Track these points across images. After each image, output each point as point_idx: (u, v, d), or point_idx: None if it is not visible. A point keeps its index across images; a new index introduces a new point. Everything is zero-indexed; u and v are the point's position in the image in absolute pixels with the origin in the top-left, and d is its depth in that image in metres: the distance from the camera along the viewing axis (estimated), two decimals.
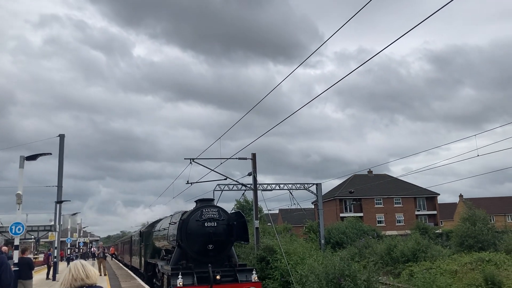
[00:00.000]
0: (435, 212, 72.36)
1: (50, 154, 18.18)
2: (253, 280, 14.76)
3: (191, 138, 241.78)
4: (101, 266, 27.18)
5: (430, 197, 72.53)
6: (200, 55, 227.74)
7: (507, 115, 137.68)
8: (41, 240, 55.18)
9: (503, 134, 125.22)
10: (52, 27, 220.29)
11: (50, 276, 26.70)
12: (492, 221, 39.91)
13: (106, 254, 32.17)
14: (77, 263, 4.09)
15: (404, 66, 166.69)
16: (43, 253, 51.80)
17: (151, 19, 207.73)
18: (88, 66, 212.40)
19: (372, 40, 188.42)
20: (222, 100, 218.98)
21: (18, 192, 14.83)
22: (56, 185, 26.48)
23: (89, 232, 79.96)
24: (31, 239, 48.07)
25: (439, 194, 72.76)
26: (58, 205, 26.84)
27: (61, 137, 26.51)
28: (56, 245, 28.76)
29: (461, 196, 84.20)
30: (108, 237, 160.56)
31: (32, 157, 16.36)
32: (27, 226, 36.77)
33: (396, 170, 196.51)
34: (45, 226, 44.92)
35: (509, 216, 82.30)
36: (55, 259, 27.19)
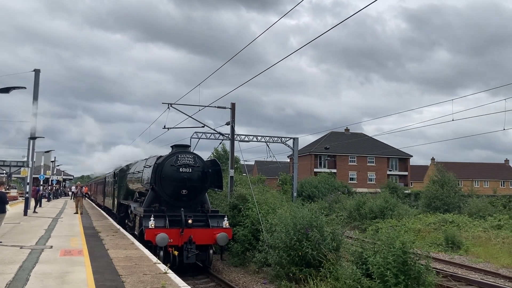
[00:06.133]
0: (406, 173, 74.23)
1: (25, 88, 17.75)
2: (224, 226, 15.12)
3: (162, 82, 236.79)
4: (79, 204, 27.42)
5: (403, 158, 74.14)
6: None
7: (481, 82, 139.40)
8: (13, 175, 54.74)
9: (475, 101, 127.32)
10: None
11: (37, 209, 28.71)
12: (460, 185, 41.33)
13: (85, 194, 32.31)
14: None
15: (380, 23, 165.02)
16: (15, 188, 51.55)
17: None
18: None
19: None
20: (194, 44, 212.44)
21: None
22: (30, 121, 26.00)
23: (63, 171, 79.31)
24: (3, 173, 47.71)
25: (411, 156, 74.48)
26: (31, 141, 26.49)
27: (37, 72, 25.70)
28: (28, 181, 28.62)
29: (433, 159, 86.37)
30: (82, 176, 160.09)
31: (5, 90, 15.92)
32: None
33: (369, 129, 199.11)
34: (17, 161, 44.31)
35: (476, 182, 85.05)
36: (27, 195, 27.20)
